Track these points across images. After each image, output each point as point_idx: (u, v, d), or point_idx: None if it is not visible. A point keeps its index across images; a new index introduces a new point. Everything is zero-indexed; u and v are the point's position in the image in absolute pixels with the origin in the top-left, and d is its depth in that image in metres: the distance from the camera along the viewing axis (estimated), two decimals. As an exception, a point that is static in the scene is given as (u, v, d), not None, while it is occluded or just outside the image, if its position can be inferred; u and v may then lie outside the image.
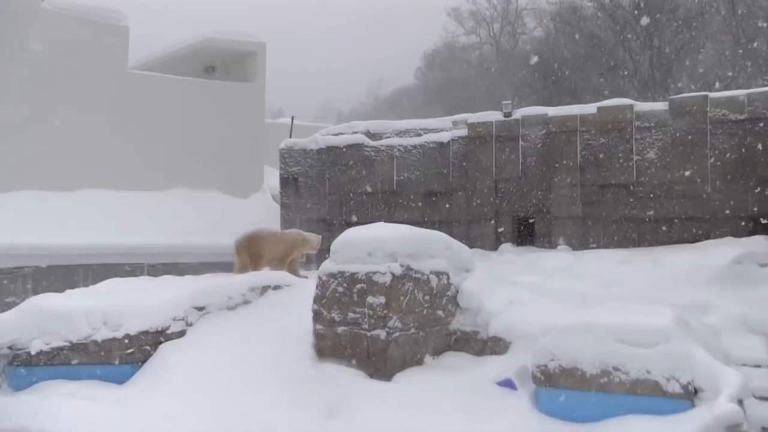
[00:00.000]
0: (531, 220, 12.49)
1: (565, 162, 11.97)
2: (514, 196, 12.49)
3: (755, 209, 10.77)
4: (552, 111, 12.50)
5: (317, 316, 7.04)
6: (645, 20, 24.59)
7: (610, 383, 5.72)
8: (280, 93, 33.94)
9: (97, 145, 14.74)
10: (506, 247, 12.20)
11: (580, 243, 11.69)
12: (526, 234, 12.58)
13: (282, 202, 14.54)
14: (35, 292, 11.63)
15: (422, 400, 6.23)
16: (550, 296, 7.80)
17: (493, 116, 12.91)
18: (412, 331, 6.92)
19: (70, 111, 14.46)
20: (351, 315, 6.84)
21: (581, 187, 11.87)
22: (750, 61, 23.28)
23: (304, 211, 14.03)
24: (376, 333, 6.71)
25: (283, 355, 6.92)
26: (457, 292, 7.45)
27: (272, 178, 16.91)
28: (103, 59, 15.21)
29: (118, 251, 13.68)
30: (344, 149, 13.77)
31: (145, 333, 7.30)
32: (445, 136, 13.18)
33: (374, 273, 6.78)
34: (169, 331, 7.43)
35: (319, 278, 7.10)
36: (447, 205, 13.09)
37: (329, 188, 13.94)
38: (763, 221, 10.69)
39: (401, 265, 6.84)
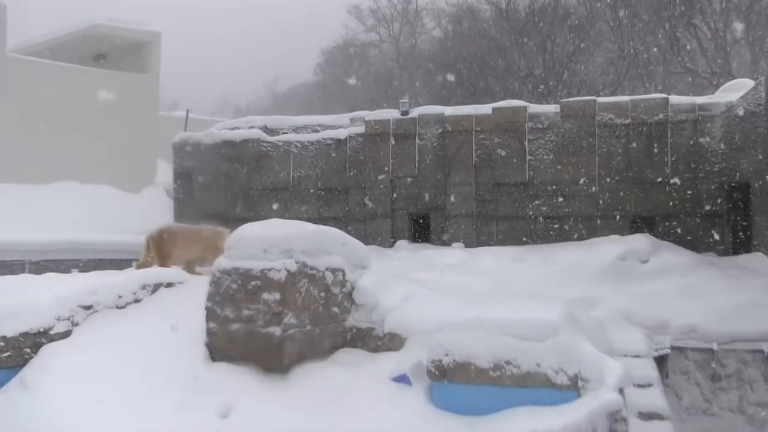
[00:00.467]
0: (427, 218, 12.67)
1: (460, 161, 12.20)
2: (411, 194, 12.62)
3: (639, 209, 11.35)
4: (448, 110, 12.73)
5: (210, 314, 6.85)
6: (540, 25, 25.48)
7: (502, 377, 5.87)
8: (176, 86, 32.92)
9: (-30, 133, 13.93)
10: (402, 244, 12.34)
11: (474, 240, 11.96)
12: (421, 231, 12.77)
13: (175, 197, 14.13)
14: None
15: (317, 397, 6.20)
16: (445, 293, 7.92)
17: (391, 114, 13.04)
18: (308, 327, 6.86)
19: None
20: (246, 312, 6.70)
21: (476, 186, 12.13)
22: (632, 68, 24.59)
23: (198, 206, 13.67)
24: (270, 330, 6.59)
25: (175, 355, 6.67)
26: (353, 288, 7.45)
27: (165, 173, 16.42)
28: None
29: (-5, 248, 12.89)
30: (240, 144, 13.52)
31: (25, 334, 6.83)
32: (342, 133, 13.19)
33: (269, 270, 6.66)
34: (52, 332, 6.98)
35: (213, 275, 6.93)
36: (344, 202, 13.09)
37: (224, 183, 13.65)
38: (644, 219, 11.29)
39: (297, 262, 6.76)
